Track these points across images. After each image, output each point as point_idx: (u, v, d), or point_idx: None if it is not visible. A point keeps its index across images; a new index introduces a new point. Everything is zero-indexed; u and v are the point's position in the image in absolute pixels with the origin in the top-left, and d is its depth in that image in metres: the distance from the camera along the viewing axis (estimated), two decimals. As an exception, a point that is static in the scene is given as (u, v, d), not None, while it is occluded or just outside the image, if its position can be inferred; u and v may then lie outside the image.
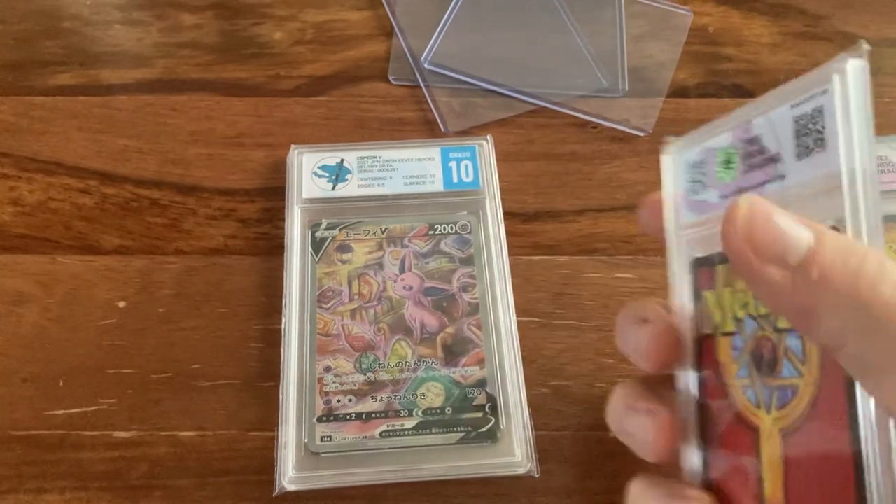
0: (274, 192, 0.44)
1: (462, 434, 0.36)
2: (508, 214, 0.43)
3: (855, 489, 0.21)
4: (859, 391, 0.21)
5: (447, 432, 0.36)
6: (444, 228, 0.42)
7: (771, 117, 0.24)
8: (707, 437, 0.26)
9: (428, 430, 0.36)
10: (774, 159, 0.24)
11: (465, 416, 0.37)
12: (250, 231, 0.43)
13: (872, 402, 0.20)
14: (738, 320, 0.25)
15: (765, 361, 0.24)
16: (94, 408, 0.38)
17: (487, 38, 0.50)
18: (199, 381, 0.39)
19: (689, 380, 0.27)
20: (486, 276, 0.40)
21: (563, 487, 0.36)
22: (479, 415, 0.37)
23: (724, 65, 0.50)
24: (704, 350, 0.26)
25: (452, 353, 0.38)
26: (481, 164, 0.44)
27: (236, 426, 0.38)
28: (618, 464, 0.37)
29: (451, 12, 0.50)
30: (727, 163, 0.26)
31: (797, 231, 0.20)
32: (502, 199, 0.43)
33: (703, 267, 0.27)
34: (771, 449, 0.24)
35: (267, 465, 0.37)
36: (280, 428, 0.36)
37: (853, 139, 0.21)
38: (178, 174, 0.45)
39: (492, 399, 0.37)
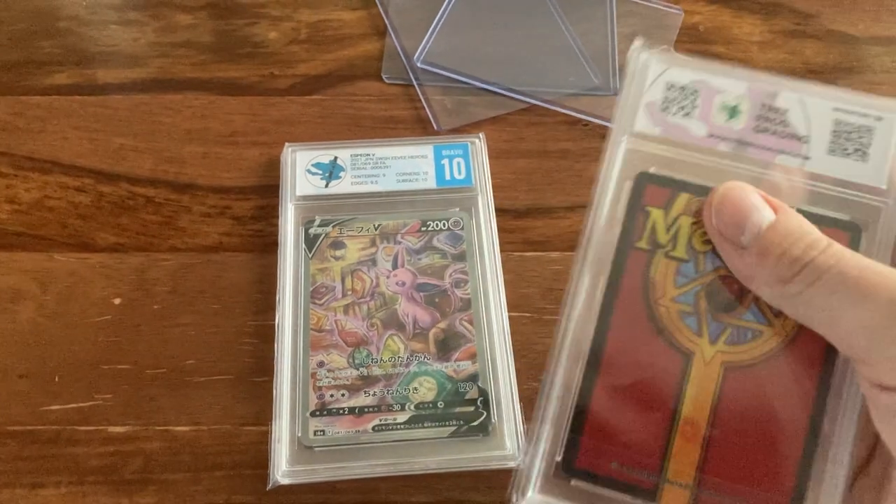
0: (268, 190, 0.45)
1: (454, 428, 0.37)
2: (500, 211, 0.43)
3: (807, 431, 0.24)
4: (839, 361, 0.24)
5: (439, 426, 0.37)
6: (437, 225, 0.42)
7: (806, 102, 0.26)
8: (608, 342, 0.26)
9: (420, 424, 0.37)
10: (801, 139, 0.26)
11: (457, 410, 0.37)
12: (244, 228, 0.44)
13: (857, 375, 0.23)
14: (695, 251, 0.26)
15: (724, 298, 0.25)
16: (89, 403, 0.39)
17: (480, 37, 0.51)
18: (193, 376, 0.39)
19: (601, 279, 0.26)
20: (478, 272, 0.41)
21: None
22: (471, 409, 0.37)
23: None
24: (631, 259, 0.26)
25: (445, 347, 0.39)
26: (473, 161, 0.44)
27: (230, 421, 0.38)
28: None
29: (443, 12, 0.51)
30: (733, 109, 0.26)
31: (757, 214, 0.24)
32: (494, 196, 0.43)
33: (654, 185, 0.27)
34: (705, 376, 0.25)
35: (261, 459, 0.37)
36: (274, 422, 0.37)
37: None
38: (174, 172, 0.46)
39: (483, 393, 0.37)
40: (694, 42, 0.51)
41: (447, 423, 0.37)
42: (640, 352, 0.26)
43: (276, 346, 0.38)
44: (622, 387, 0.26)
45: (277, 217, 0.42)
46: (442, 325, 0.39)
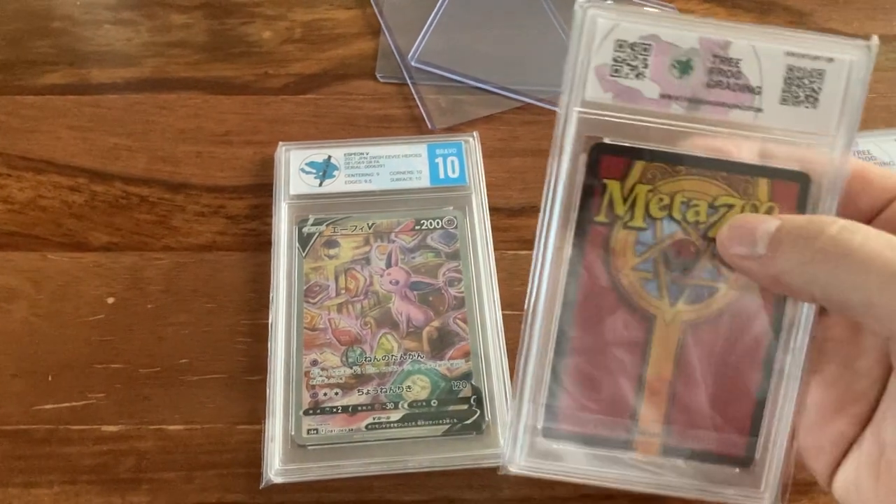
0: (262, 189, 0.44)
1: (448, 426, 0.37)
2: (494, 209, 0.43)
3: (760, 375, 0.27)
4: (789, 304, 0.26)
5: (433, 424, 0.37)
6: (431, 223, 0.42)
7: (758, 50, 0.25)
8: (576, 314, 0.27)
9: (414, 423, 0.37)
10: (753, 90, 0.25)
11: (451, 409, 0.37)
12: (238, 227, 0.44)
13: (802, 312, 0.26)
14: (652, 218, 0.27)
15: (680, 261, 0.27)
16: (82, 402, 0.39)
17: (474, 36, 0.51)
18: (186, 375, 0.39)
19: (563, 255, 0.27)
20: (472, 271, 0.41)
21: (547, 479, 0.37)
22: (465, 407, 0.37)
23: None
24: (591, 234, 0.27)
25: (438, 346, 0.39)
26: (467, 160, 0.44)
27: (224, 420, 0.38)
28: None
29: (437, 10, 0.51)
30: (685, 64, 0.26)
31: (764, 224, 0.25)
32: (488, 195, 0.43)
33: (608, 154, 0.26)
34: (667, 336, 0.27)
35: (254, 457, 0.37)
36: (267, 421, 0.37)
37: (848, 113, 0.25)
38: (167, 172, 0.46)
39: (477, 391, 0.37)
40: (688, 41, 0.51)
41: (441, 421, 0.37)
42: (607, 320, 0.27)
43: (269, 344, 0.38)
44: (592, 354, 0.27)
45: (271, 216, 0.42)
46: (436, 323, 0.39)
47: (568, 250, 0.27)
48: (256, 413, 0.38)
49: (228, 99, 0.48)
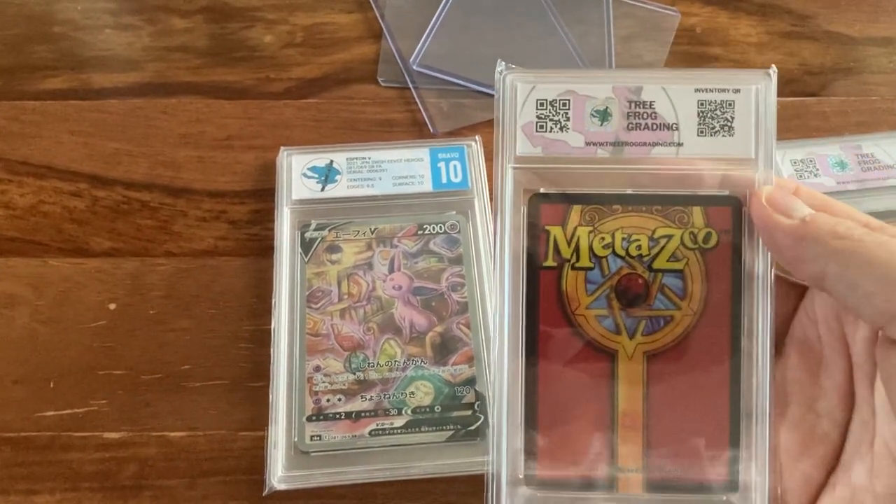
0: (264, 194, 0.44)
1: (451, 432, 0.36)
2: (497, 214, 0.43)
3: (729, 396, 0.27)
4: (744, 321, 0.27)
5: (436, 430, 0.37)
6: (433, 228, 0.42)
7: (668, 90, 0.27)
8: (541, 362, 0.28)
9: (417, 429, 0.37)
10: (671, 127, 0.27)
11: (455, 415, 0.37)
12: (240, 232, 0.44)
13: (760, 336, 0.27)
14: (597, 257, 0.28)
15: (632, 294, 0.27)
16: (84, 409, 0.39)
17: (476, 40, 0.50)
18: (189, 381, 0.39)
19: (517, 307, 0.28)
20: (475, 276, 0.40)
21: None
22: (468, 413, 0.37)
23: (711, 65, 0.50)
24: (543, 280, 0.28)
25: (441, 351, 0.38)
26: (470, 164, 0.44)
27: (226, 426, 0.38)
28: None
29: (439, 14, 0.50)
30: (604, 113, 0.28)
31: (801, 204, 0.25)
32: (490, 199, 0.43)
33: (547, 203, 0.28)
34: (632, 370, 0.28)
35: (257, 464, 0.37)
36: (270, 427, 0.36)
37: (763, 135, 0.27)
38: (169, 177, 0.45)
39: (481, 397, 0.37)
40: (691, 44, 0.51)
41: (444, 427, 0.37)
42: (571, 363, 0.28)
43: (272, 350, 0.38)
44: (562, 398, 0.28)
45: (273, 221, 0.42)
46: (439, 328, 0.39)
47: (523, 299, 0.28)
48: (259, 419, 0.38)
49: (230, 103, 0.48)
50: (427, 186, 0.43)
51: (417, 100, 0.48)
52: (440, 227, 0.42)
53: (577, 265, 0.28)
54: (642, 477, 0.28)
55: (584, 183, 0.28)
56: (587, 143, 0.28)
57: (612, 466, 0.28)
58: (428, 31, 0.50)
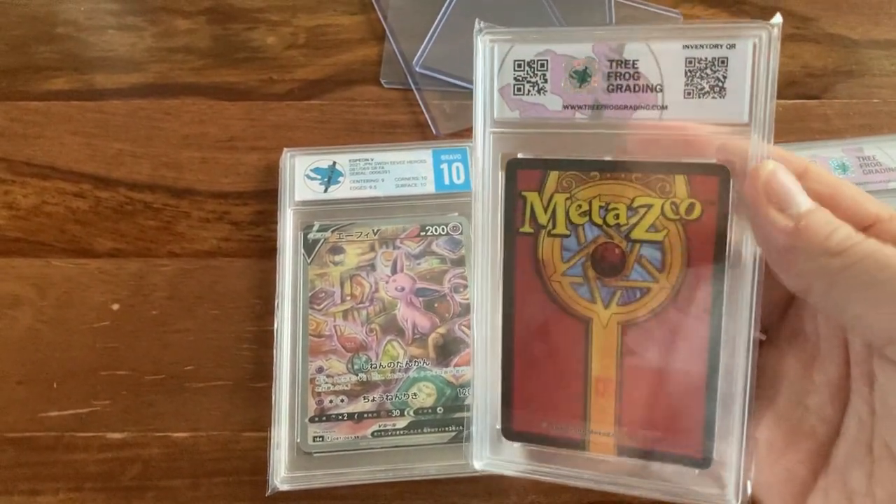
0: (266, 195, 0.44)
1: (454, 433, 0.37)
2: (499, 216, 0.43)
3: (706, 372, 0.26)
4: (726, 299, 0.26)
5: (439, 432, 0.37)
6: (436, 230, 0.42)
7: (654, 48, 0.25)
8: (516, 324, 0.28)
9: (420, 430, 0.37)
10: (654, 89, 0.26)
11: (457, 416, 0.37)
12: (243, 234, 0.44)
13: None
14: (574, 225, 0.27)
15: (608, 264, 0.27)
16: (87, 409, 0.39)
17: (478, 42, 0.50)
18: (192, 382, 0.39)
19: (495, 272, 0.28)
20: (478, 277, 0.40)
21: (553, 486, 0.37)
22: (471, 414, 0.37)
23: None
24: (519, 245, 0.28)
25: (444, 353, 0.38)
26: (472, 166, 0.44)
27: (229, 427, 0.38)
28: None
29: (442, 16, 0.51)
30: (583, 74, 0.26)
31: (800, 196, 0.24)
32: (493, 201, 0.43)
33: (524, 169, 0.28)
34: (605, 338, 0.28)
35: (260, 465, 0.37)
36: (273, 428, 0.36)
37: (759, 98, 0.25)
38: (172, 178, 0.45)
39: (483, 398, 0.37)
40: (692, 46, 0.51)
41: (447, 428, 0.37)
42: (546, 327, 0.28)
43: (274, 351, 0.38)
44: (537, 361, 0.28)
45: (276, 222, 0.42)
46: (441, 330, 0.39)
47: (500, 263, 0.28)
48: (262, 420, 0.38)
49: (233, 105, 0.48)
50: (430, 188, 0.43)
51: (420, 101, 0.48)
52: (443, 229, 0.42)
53: (554, 232, 0.27)
54: (614, 441, 0.28)
55: (561, 148, 0.27)
56: (565, 107, 0.27)
57: (584, 427, 0.28)
58: (430, 32, 0.50)
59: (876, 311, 0.22)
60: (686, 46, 0.25)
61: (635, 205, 0.27)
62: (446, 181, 0.43)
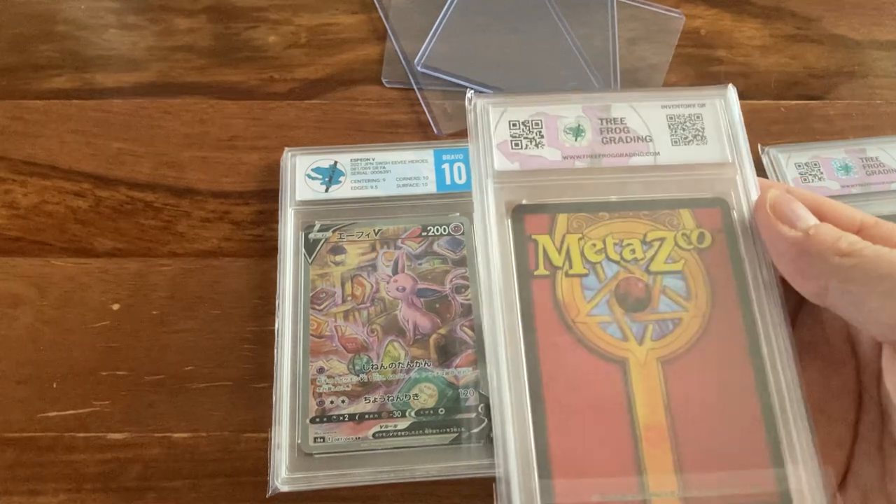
0: (267, 195, 0.44)
1: (455, 434, 0.36)
2: (501, 216, 0.43)
3: (758, 397, 0.25)
4: (758, 317, 0.26)
5: (440, 433, 0.36)
6: (437, 230, 0.42)
7: (636, 107, 0.29)
8: (544, 375, 0.25)
9: (421, 431, 0.37)
10: (645, 139, 0.28)
11: (459, 417, 0.37)
12: (244, 233, 0.43)
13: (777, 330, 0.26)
14: (591, 263, 0.27)
15: (634, 298, 0.26)
16: (87, 410, 0.39)
17: (480, 41, 0.50)
18: (192, 382, 0.39)
19: (513, 320, 0.26)
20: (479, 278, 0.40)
21: None
22: (473, 415, 0.37)
23: (715, 67, 0.50)
24: (536, 289, 0.27)
25: (445, 353, 0.38)
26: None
27: (230, 427, 0.38)
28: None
29: (443, 15, 0.50)
30: (577, 129, 0.28)
31: (806, 214, 0.26)
32: (495, 201, 0.43)
33: (531, 214, 0.28)
34: (647, 377, 0.25)
35: (260, 466, 0.37)
36: (273, 429, 0.36)
37: (736, 140, 0.29)
38: (173, 177, 0.45)
39: (485, 400, 0.37)
40: (695, 46, 0.51)
41: (448, 429, 0.37)
42: (578, 374, 0.25)
43: (275, 351, 0.38)
44: (574, 415, 0.25)
45: (277, 222, 0.42)
46: (442, 330, 0.39)
47: (517, 309, 0.26)
48: (263, 421, 0.38)
49: (234, 104, 0.48)
50: (431, 188, 0.43)
51: (422, 101, 0.48)
52: (444, 229, 0.42)
53: (571, 272, 0.27)
54: (679, 496, 0.24)
55: (565, 192, 0.28)
56: (565, 157, 0.28)
57: (642, 491, 0.24)
58: (432, 32, 0.50)
59: (893, 301, 0.22)
60: (664, 106, 0.29)
61: (649, 238, 0.27)
62: (448, 181, 0.43)
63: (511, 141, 0.28)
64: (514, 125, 0.28)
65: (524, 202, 0.28)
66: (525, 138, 0.28)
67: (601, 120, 0.28)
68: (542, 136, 0.28)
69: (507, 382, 0.25)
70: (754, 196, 0.27)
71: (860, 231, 0.25)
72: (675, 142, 0.28)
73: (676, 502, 0.24)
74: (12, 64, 0.50)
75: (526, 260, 0.27)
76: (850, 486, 0.25)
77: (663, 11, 0.52)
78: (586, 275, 0.27)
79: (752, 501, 0.24)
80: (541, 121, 0.28)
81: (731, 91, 0.29)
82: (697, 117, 0.29)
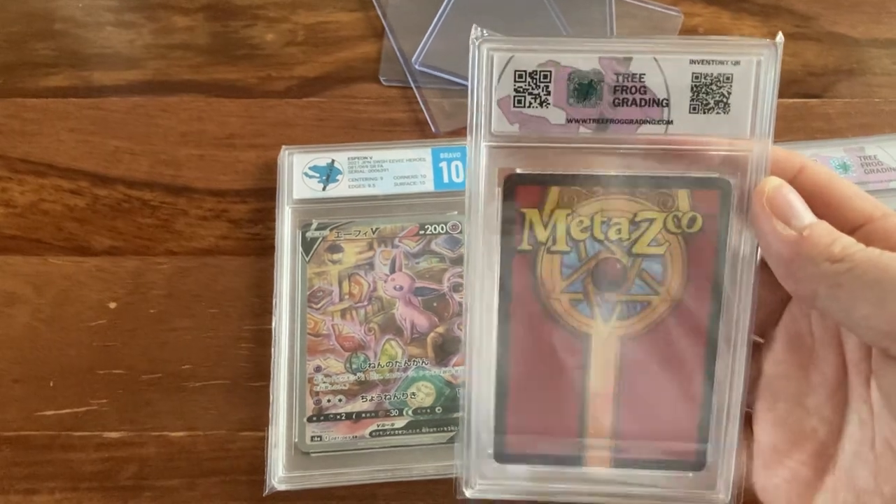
0: (265, 193, 0.44)
1: (452, 433, 0.36)
2: (499, 214, 0.43)
3: (702, 381, 0.27)
4: (724, 309, 0.26)
5: (437, 432, 0.36)
6: (435, 228, 0.42)
7: (661, 61, 0.25)
8: (512, 343, 0.28)
9: (418, 430, 0.36)
10: (660, 104, 0.25)
11: (456, 416, 0.37)
12: (241, 232, 0.43)
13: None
14: (575, 241, 0.27)
15: (608, 279, 0.27)
16: (84, 408, 0.38)
17: (478, 39, 0.50)
18: (189, 381, 0.39)
19: (492, 288, 0.27)
20: (477, 276, 0.40)
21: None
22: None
23: (714, 65, 0.50)
24: (517, 264, 0.27)
25: (443, 352, 0.38)
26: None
27: (226, 426, 0.38)
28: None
29: (441, 13, 0.50)
30: (588, 86, 0.25)
31: (803, 210, 0.25)
32: (493, 200, 0.43)
33: (523, 184, 0.27)
34: (604, 352, 0.27)
35: (257, 465, 0.37)
36: (270, 428, 0.36)
37: (761, 114, 0.25)
38: (170, 175, 0.45)
39: (482, 398, 0.37)
40: (693, 44, 0.51)
41: (445, 428, 0.36)
42: (543, 346, 0.28)
43: (272, 350, 0.38)
44: (533, 381, 0.28)
45: (274, 220, 0.42)
46: (440, 329, 0.39)
47: (496, 282, 0.27)
48: (259, 420, 0.38)
49: (231, 102, 0.48)
50: (429, 186, 0.43)
51: (419, 99, 0.48)
52: (442, 228, 0.42)
53: (553, 249, 0.27)
54: (610, 455, 0.28)
55: (562, 162, 0.26)
56: (569, 121, 0.26)
57: (581, 444, 0.28)
58: (430, 30, 0.50)
59: (882, 309, 0.22)
60: (693, 61, 0.25)
61: (638, 219, 0.27)
62: (445, 179, 0.43)
63: (514, 97, 0.25)
64: (521, 76, 0.25)
65: (518, 171, 0.26)
66: (530, 94, 0.25)
67: (617, 76, 0.25)
68: (549, 93, 0.25)
69: (478, 350, 0.28)
70: (763, 178, 0.26)
71: (867, 223, 0.25)
72: (695, 108, 0.25)
73: (606, 457, 0.28)
74: (9, 62, 0.49)
75: (511, 234, 0.27)
76: (841, 489, 0.25)
77: (661, 9, 0.52)
78: (568, 252, 0.27)
79: (671, 465, 0.28)
80: (550, 72, 0.25)
81: (779, 46, 0.25)
82: (727, 79, 0.25)
